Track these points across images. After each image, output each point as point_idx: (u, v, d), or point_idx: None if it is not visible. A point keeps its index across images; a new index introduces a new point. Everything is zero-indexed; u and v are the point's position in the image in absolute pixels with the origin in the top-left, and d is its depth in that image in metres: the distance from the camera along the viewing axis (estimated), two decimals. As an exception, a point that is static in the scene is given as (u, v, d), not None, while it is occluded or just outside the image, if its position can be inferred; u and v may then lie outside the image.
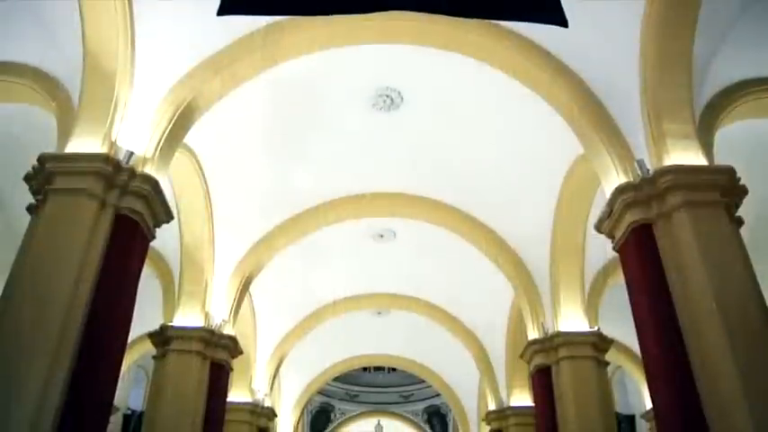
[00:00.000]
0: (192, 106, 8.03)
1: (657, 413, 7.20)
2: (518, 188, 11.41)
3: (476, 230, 12.55)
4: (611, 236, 7.84)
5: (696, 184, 6.87)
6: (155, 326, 10.99)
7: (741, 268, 6.45)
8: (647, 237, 7.13)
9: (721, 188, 6.86)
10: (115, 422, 15.05)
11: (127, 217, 6.98)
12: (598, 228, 8.07)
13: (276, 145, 10.77)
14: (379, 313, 18.04)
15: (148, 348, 12.17)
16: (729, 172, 6.94)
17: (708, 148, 7.29)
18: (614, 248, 7.87)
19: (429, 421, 26.25)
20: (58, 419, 5.95)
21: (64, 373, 6.05)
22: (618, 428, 13.18)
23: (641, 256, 7.21)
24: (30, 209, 6.90)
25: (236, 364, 12.33)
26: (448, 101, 9.91)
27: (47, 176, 6.70)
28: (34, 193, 6.88)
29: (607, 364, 11.38)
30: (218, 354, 11.23)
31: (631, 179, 7.39)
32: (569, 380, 10.75)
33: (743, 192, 7.07)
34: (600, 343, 11.07)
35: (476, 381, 18.78)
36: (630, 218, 7.27)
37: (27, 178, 6.94)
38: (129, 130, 7.29)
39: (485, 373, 16.46)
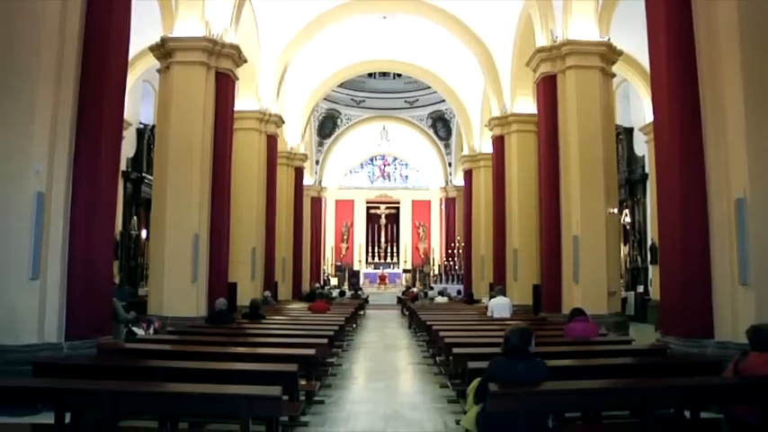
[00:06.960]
0: None
1: (657, 124, 7.35)
2: None
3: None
4: (634, -62, 7.30)
5: None
6: (156, 40, 10.77)
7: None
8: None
9: None
10: (129, 137, 15.40)
11: None
12: (622, -71, 7.47)
13: None
14: (384, 17, 17.48)
15: (153, 62, 12.03)
16: None
17: None
18: (636, -47, 7.38)
19: (433, 126, 26.84)
20: (74, 135, 6.19)
21: (70, 93, 6.13)
22: (616, 139, 13.55)
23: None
24: None
25: (241, 73, 12.29)
26: None
27: None
28: None
29: (613, 75, 11.34)
30: (222, 63, 11.16)
31: None
32: (574, 89, 10.83)
33: None
34: (608, 54, 10.90)
35: (480, 89, 18.90)
36: None
37: None
38: None
39: (490, 79, 16.46)
